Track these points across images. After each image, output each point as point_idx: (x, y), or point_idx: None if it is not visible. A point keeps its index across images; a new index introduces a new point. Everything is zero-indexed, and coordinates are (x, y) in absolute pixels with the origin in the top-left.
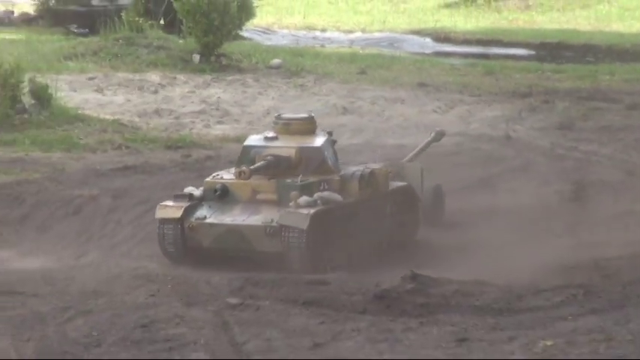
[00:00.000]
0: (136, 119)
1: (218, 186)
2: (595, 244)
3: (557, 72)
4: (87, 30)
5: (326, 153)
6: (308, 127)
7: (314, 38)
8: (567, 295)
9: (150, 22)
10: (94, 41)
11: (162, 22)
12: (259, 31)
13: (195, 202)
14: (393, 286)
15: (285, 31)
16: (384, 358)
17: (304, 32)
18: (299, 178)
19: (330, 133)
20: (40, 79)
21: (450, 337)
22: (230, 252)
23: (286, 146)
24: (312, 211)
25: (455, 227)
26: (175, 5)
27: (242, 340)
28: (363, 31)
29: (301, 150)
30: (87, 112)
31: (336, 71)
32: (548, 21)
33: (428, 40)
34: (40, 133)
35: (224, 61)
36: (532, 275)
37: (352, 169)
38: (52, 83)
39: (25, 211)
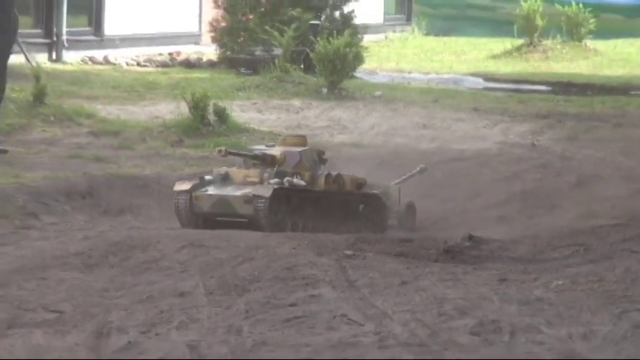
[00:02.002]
0: (284, 131)
1: (222, 172)
2: (591, 216)
3: (567, 101)
4: (251, 71)
5: (303, 157)
6: (299, 142)
7: (403, 78)
8: (573, 250)
9: (294, 66)
10: (256, 79)
11: (302, 66)
12: (367, 73)
13: (204, 182)
14: (456, 243)
15: (384, 73)
16: (450, 292)
17: (397, 74)
18: (275, 168)
19: (322, 152)
20: (220, 103)
21: (494, 278)
22: (223, 215)
23: (276, 150)
24: (276, 186)
25: (496, 204)
26: (311, 55)
27: (354, 278)
28: (436, 73)
29: (285, 152)
30: (251, 126)
31: (417, 100)
32: (561, 67)
33: (480, 79)
34: (219, 140)
35: (343, 93)
36: (550, 236)
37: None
38: (228, 106)
39: None
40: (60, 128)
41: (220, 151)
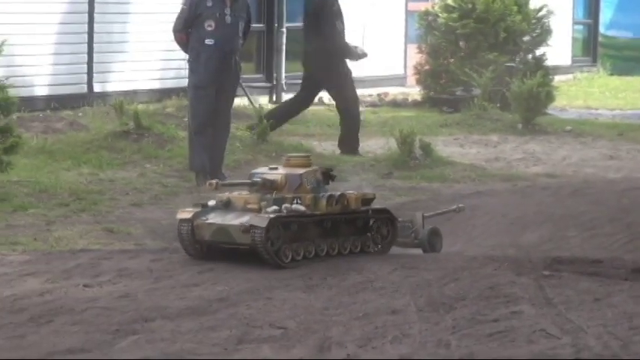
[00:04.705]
0: (483, 163)
1: (224, 198)
2: None
3: None
4: (453, 109)
5: (304, 180)
6: (303, 162)
7: (590, 114)
8: None
9: (491, 104)
10: (457, 116)
11: (498, 104)
12: (557, 110)
13: (207, 209)
14: None
15: (573, 109)
16: (639, 308)
17: (584, 110)
18: (274, 194)
19: (328, 170)
20: (425, 139)
21: None
22: (223, 244)
23: (277, 173)
24: (272, 215)
25: None
26: (507, 94)
27: (551, 296)
28: (621, 109)
29: (286, 176)
30: (453, 159)
31: (604, 134)
32: None
33: None
34: (425, 172)
35: (536, 128)
36: None
37: (331, 192)
38: (432, 141)
39: None
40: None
41: (211, 184)
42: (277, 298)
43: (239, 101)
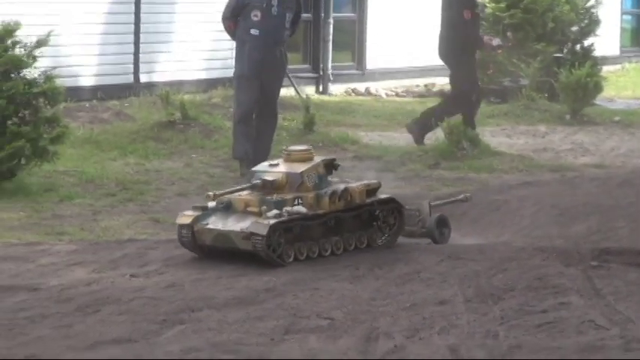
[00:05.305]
0: (531, 154)
1: (224, 200)
2: None
3: None
4: (500, 100)
5: (306, 177)
6: (305, 156)
7: (638, 104)
8: None
9: (539, 95)
10: (504, 107)
11: (546, 94)
12: (605, 100)
13: (207, 212)
14: None
15: (622, 100)
16: None
17: (633, 101)
18: (274, 196)
19: (332, 160)
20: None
21: None
22: (225, 249)
23: (277, 171)
24: (272, 221)
25: None
26: (555, 84)
27: (599, 287)
28: None
29: (286, 175)
30: (501, 149)
31: None
32: None
33: None
34: (473, 162)
35: (585, 119)
36: None
37: (334, 187)
38: (480, 132)
39: (464, 209)
40: (328, 153)
41: (209, 196)
42: (324, 289)
43: (286, 91)
